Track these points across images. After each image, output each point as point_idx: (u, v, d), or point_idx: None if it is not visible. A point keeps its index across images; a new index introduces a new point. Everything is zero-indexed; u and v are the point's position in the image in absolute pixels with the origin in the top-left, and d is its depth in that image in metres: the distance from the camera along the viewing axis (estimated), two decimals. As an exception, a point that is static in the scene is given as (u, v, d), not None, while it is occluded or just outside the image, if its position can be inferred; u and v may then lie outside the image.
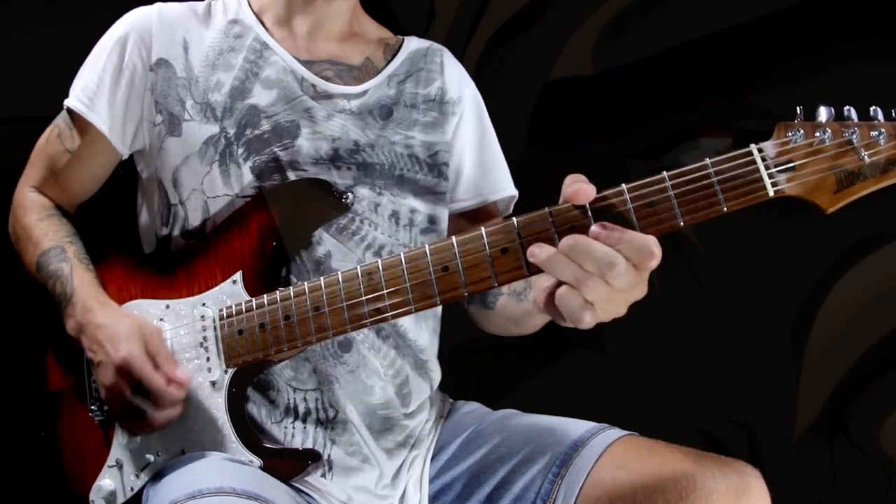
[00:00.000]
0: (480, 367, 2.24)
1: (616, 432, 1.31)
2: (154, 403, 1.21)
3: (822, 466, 2.20)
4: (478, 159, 1.53)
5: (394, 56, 1.50)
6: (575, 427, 1.34)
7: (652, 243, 0.97)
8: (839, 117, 1.00)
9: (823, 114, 1.00)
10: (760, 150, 0.98)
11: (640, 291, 1.01)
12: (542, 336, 2.33)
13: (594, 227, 0.97)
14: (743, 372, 2.19)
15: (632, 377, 2.23)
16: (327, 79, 1.41)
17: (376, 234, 1.37)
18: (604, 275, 0.96)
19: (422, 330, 1.42)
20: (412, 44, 1.54)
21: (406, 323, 1.39)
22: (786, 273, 2.16)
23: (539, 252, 0.99)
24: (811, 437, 2.21)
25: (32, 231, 1.41)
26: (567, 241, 0.97)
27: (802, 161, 0.98)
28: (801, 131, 0.99)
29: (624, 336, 2.23)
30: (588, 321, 0.99)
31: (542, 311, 1.08)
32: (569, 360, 2.27)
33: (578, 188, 1.00)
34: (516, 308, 1.31)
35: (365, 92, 1.43)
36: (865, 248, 2.14)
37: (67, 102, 1.41)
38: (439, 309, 1.48)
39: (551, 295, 1.03)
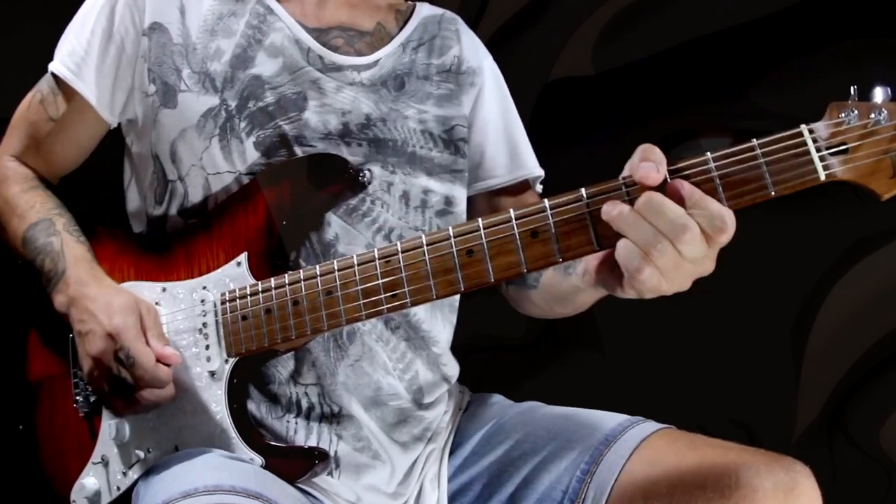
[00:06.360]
0: (480, 367, 2.13)
1: (651, 425, 1.18)
2: (137, 380, 1.07)
3: (822, 466, 2.12)
4: (505, 134, 1.38)
5: (406, 22, 1.35)
6: (606, 420, 1.20)
7: (727, 215, 0.86)
8: (896, 98, 0.90)
9: (879, 94, 0.88)
10: (812, 131, 0.88)
11: (709, 266, 0.90)
12: (542, 336, 2.26)
13: (674, 182, 0.87)
14: (743, 372, 2.11)
15: (632, 377, 2.15)
16: (337, 47, 1.27)
17: (387, 215, 1.23)
18: (675, 238, 0.85)
19: (437, 320, 1.27)
20: (424, 10, 1.39)
21: (420, 312, 1.24)
22: (786, 273, 2.09)
23: (611, 209, 0.88)
24: (811, 437, 2.13)
25: (17, 203, 1.26)
26: (642, 197, 0.87)
27: (856, 143, 0.88)
28: (855, 112, 0.88)
29: (623, 336, 2.18)
30: (647, 278, 0.88)
31: (594, 278, 0.98)
32: (569, 360, 2.21)
33: (646, 174, 0.88)
34: (563, 283, 1.15)
35: (377, 62, 1.28)
36: (865, 248, 2.07)
37: (52, 67, 1.26)
38: (456, 298, 1.34)
39: (604, 262, 0.94)
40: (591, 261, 0.99)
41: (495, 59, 1.46)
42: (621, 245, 0.89)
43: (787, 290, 2.09)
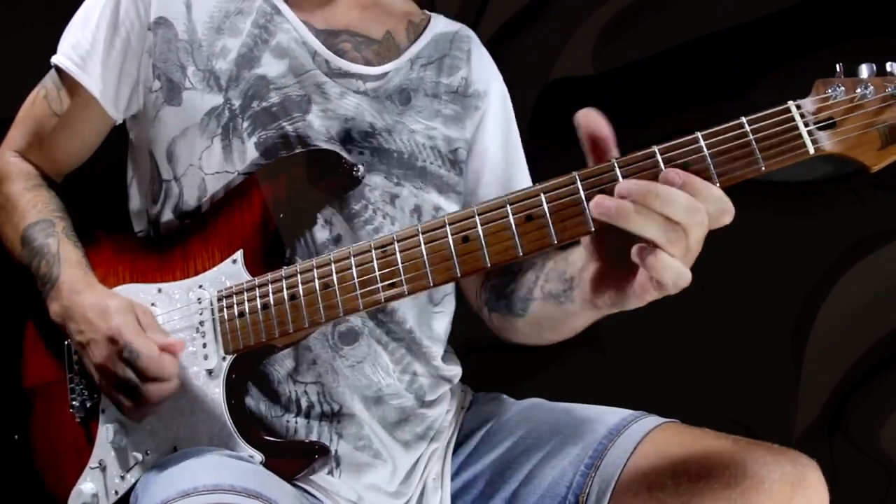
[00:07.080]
0: (480, 367, 2.12)
1: (655, 419, 1.16)
2: (143, 371, 1.05)
3: (822, 466, 2.11)
4: (503, 162, 1.34)
5: (418, 36, 1.32)
6: (609, 415, 1.18)
7: (727, 199, 0.84)
8: (881, 73, 0.89)
9: (865, 70, 0.89)
10: (799, 107, 0.87)
11: (695, 255, 0.87)
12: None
13: (669, 172, 0.84)
14: (743, 372, 2.09)
15: (631, 377, 2.13)
16: (344, 52, 1.24)
17: (393, 228, 1.20)
18: (690, 223, 0.82)
19: (425, 324, 1.26)
20: (439, 24, 1.35)
21: (410, 320, 1.22)
22: (786, 273, 2.08)
23: (608, 203, 0.84)
24: (811, 437, 2.12)
25: (18, 201, 1.23)
26: (640, 186, 0.83)
27: (843, 117, 0.87)
28: (842, 87, 0.88)
29: (623, 336, 2.15)
30: (669, 265, 0.83)
31: (591, 299, 0.95)
32: (569, 360, 2.18)
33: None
34: (556, 312, 1.09)
35: (384, 75, 1.25)
36: (865, 248, 2.06)
37: (56, 60, 1.23)
38: (452, 306, 1.32)
39: (596, 280, 0.91)
40: (586, 278, 0.96)
41: (495, 59, 1.42)
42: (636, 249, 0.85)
43: (787, 290, 2.08)
